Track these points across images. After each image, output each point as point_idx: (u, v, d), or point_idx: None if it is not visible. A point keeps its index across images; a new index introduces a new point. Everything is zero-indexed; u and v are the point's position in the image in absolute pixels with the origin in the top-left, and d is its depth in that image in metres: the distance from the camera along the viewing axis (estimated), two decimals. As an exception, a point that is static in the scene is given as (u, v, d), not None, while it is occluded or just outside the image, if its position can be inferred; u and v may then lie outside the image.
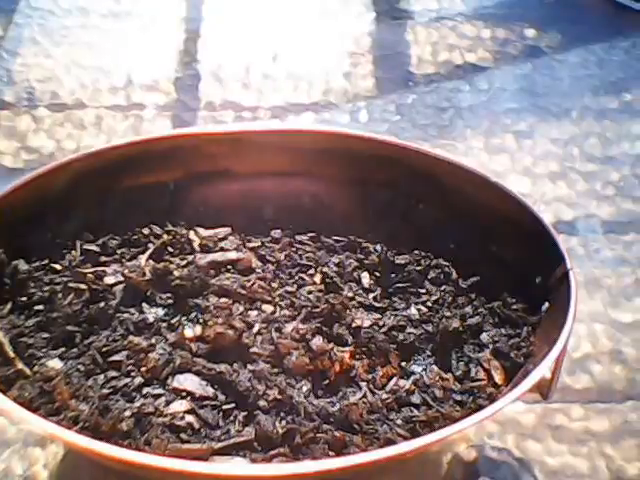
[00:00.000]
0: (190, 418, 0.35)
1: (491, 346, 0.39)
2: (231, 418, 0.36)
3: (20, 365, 0.38)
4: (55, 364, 0.38)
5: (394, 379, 0.38)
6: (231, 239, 0.44)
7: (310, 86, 0.62)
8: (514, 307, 0.41)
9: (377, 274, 0.43)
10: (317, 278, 0.42)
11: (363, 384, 0.37)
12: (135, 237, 0.44)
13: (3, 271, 0.41)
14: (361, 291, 0.42)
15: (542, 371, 0.35)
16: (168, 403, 0.36)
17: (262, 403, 0.36)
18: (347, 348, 0.38)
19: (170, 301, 0.40)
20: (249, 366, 0.37)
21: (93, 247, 0.43)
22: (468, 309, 0.41)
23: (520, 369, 0.37)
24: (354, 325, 0.39)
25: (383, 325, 0.40)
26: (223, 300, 0.40)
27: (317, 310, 0.40)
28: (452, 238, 0.44)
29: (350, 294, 0.41)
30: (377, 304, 0.41)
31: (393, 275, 0.42)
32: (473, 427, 0.37)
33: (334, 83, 0.62)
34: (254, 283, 0.41)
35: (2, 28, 0.66)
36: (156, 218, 0.44)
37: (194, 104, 0.60)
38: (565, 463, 0.40)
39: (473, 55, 0.64)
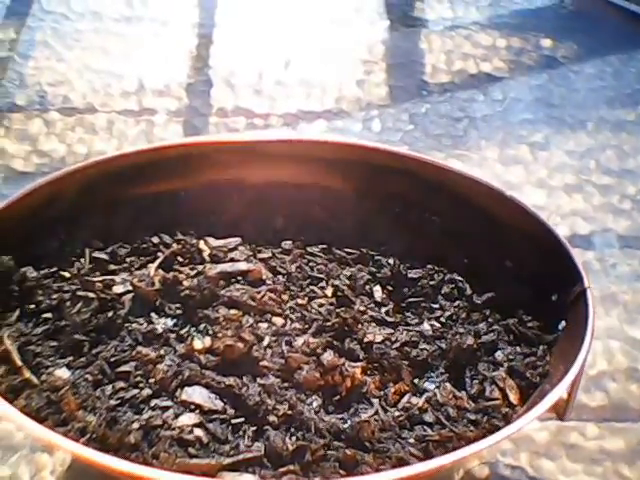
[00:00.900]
0: (199, 432, 0.35)
1: (506, 364, 0.38)
2: (240, 433, 0.35)
3: (27, 374, 0.37)
4: (63, 373, 0.37)
5: (406, 396, 0.37)
6: (241, 249, 0.43)
7: (323, 93, 0.62)
8: (529, 325, 0.40)
9: (389, 288, 0.42)
10: (328, 291, 0.41)
11: (375, 401, 0.37)
12: (144, 246, 0.43)
13: (11, 278, 0.40)
14: (373, 305, 0.41)
15: (559, 392, 0.34)
16: (176, 416, 0.36)
17: (272, 418, 0.35)
18: (359, 363, 0.38)
19: (179, 311, 0.40)
20: (259, 380, 0.37)
21: (102, 255, 0.43)
22: (482, 326, 0.40)
23: (536, 389, 0.37)
24: (366, 340, 0.39)
25: (395, 340, 0.39)
26: (233, 312, 0.40)
27: (328, 324, 0.39)
28: (466, 252, 0.43)
29: (362, 308, 0.40)
30: (389, 319, 0.40)
31: (406, 289, 0.42)
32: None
33: (347, 91, 0.62)
34: (264, 295, 0.40)
35: (15, 31, 0.66)
36: (166, 227, 0.44)
37: (206, 110, 0.60)
38: (579, 484, 0.40)
39: (488, 65, 0.64)
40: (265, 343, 0.38)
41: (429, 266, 0.42)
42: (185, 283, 0.40)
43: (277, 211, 0.45)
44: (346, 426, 0.35)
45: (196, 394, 0.36)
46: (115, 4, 0.69)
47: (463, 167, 0.46)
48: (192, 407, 0.36)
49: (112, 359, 0.38)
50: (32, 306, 0.40)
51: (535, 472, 0.40)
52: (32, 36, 0.65)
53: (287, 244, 0.44)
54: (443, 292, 0.42)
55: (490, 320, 0.40)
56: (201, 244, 0.43)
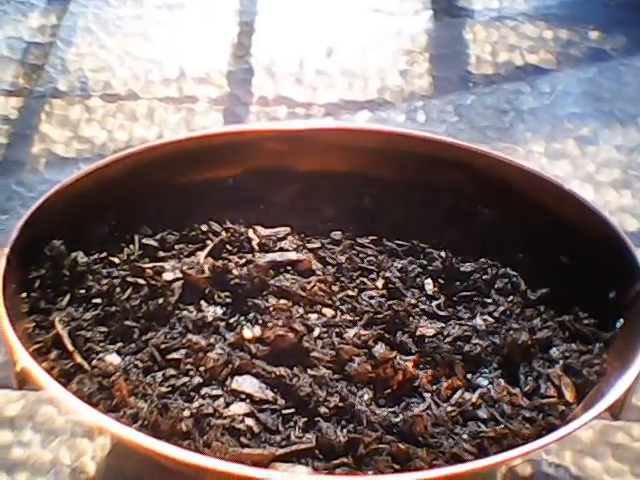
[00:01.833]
0: (250, 421, 0.35)
1: (561, 362, 0.37)
2: (291, 424, 0.35)
3: (79, 359, 0.37)
4: (113, 359, 0.37)
5: (459, 391, 0.37)
6: (290, 239, 0.43)
7: (365, 83, 0.61)
8: (585, 322, 0.39)
9: (441, 281, 0.41)
10: (379, 283, 0.41)
11: (427, 395, 0.36)
12: (193, 233, 0.43)
13: (62, 262, 0.40)
14: (424, 298, 0.40)
15: (619, 392, 0.33)
16: (227, 405, 0.35)
17: (323, 410, 0.35)
18: (410, 357, 0.37)
19: (229, 300, 0.40)
20: (309, 371, 0.36)
21: (151, 242, 0.43)
22: (537, 322, 0.39)
23: (591, 387, 0.36)
24: (418, 333, 0.38)
25: (448, 335, 0.38)
26: (282, 301, 0.39)
27: (379, 316, 0.39)
28: (519, 247, 0.42)
29: (413, 301, 0.40)
30: (441, 312, 0.40)
31: (458, 283, 0.41)
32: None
33: (390, 81, 0.61)
34: (314, 285, 0.40)
35: (57, 17, 0.66)
36: (215, 215, 0.44)
37: (247, 98, 0.60)
38: (628, 485, 0.39)
39: (535, 56, 0.63)
40: (315, 334, 0.38)
41: (482, 260, 0.42)
42: (235, 272, 0.40)
43: (326, 201, 0.45)
44: (398, 420, 0.35)
45: (246, 383, 0.36)
46: (156, -9, 0.69)
47: (516, 160, 0.45)
48: (242, 396, 0.36)
49: (162, 346, 0.37)
50: (82, 291, 0.40)
51: (579, 471, 0.39)
52: (74, 22, 0.65)
53: (337, 235, 0.44)
54: (496, 287, 0.41)
55: (545, 316, 0.39)
56: (250, 233, 0.43)
